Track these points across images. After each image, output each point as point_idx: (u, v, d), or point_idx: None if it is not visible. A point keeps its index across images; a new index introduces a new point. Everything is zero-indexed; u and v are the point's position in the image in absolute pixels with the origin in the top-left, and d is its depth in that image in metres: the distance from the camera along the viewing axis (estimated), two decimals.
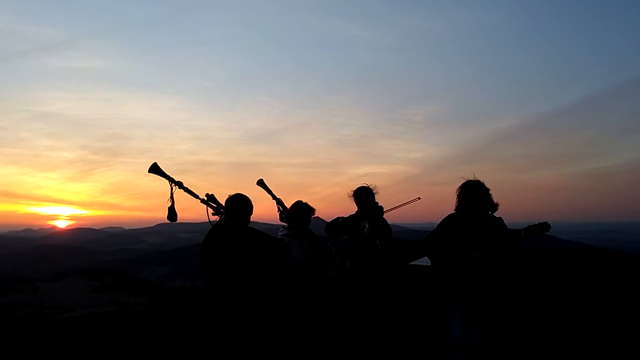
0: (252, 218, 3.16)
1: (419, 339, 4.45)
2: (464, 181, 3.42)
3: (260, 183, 3.77)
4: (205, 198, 3.16)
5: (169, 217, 3.06)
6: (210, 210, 3.15)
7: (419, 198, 3.77)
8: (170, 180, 3.02)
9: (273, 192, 3.85)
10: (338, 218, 3.88)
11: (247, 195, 3.10)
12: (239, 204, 3.03)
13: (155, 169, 3.00)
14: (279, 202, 3.83)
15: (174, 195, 3.01)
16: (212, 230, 2.96)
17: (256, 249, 3.03)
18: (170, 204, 3.00)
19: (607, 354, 4.11)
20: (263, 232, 3.31)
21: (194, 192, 3.12)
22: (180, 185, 3.05)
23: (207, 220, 3.07)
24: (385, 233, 3.80)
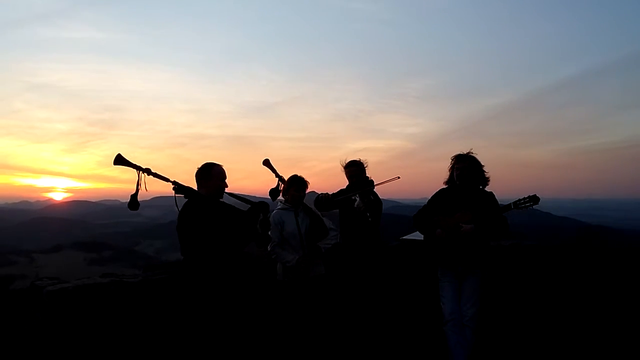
0: (250, 192, 3.13)
1: (410, 312, 4.51)
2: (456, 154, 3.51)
3: (266, 163, 3.77)
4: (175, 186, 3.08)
5: (129, 205, 2.93)
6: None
7: (398, 177, 3.96)
8: (137, 168, 2.90)
9: (277, 171, 3.86)
10: (319, 194, 3.98)
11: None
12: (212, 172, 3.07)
13: (120, 160, 2.88)
14: (282, 180, 3.84)
15: (140, 183, 2.86)
16: (187, 204, 2.94)
17: (229, 220, 2.98)
18: (135, 192, 2.85)
19: (601, 329, 4.18)
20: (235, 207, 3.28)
21: (164, 176, 3.00)
22: (148, 171, 2.92)
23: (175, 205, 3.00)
24: (376, 206, 3.85)
